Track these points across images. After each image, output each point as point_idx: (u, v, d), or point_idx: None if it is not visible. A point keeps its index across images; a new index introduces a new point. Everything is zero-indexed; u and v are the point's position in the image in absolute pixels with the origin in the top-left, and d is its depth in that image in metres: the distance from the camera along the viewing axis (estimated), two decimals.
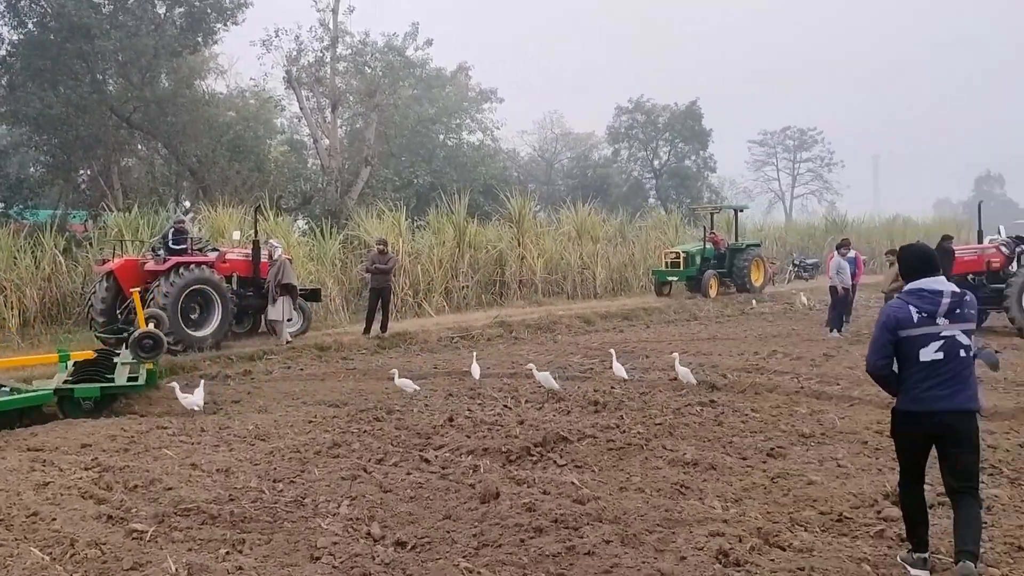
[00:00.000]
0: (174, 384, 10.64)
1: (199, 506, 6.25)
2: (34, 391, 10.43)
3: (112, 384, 10.76)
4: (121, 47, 24.84)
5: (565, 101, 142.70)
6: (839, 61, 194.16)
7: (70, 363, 11.58)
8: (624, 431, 8.49)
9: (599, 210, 31.92)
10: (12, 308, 17.61)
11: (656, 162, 55.04)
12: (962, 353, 4.81)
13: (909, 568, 4.85)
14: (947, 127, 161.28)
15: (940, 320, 4.82)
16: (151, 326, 12.18)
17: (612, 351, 12.50)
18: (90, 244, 20.29)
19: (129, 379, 11.02)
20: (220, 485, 6.92)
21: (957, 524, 4.79)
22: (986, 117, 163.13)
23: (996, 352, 9.45)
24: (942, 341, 4.80)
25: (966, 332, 4.86)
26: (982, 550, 4.98)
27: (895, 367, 4.96)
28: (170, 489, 6.74)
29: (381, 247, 17.62)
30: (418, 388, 11.12)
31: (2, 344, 16.21)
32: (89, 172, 27.81)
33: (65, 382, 10.72)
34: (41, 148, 27.21)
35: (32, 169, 29.44)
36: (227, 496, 6.57)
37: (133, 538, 5.68)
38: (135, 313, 15.05)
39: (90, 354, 12.10)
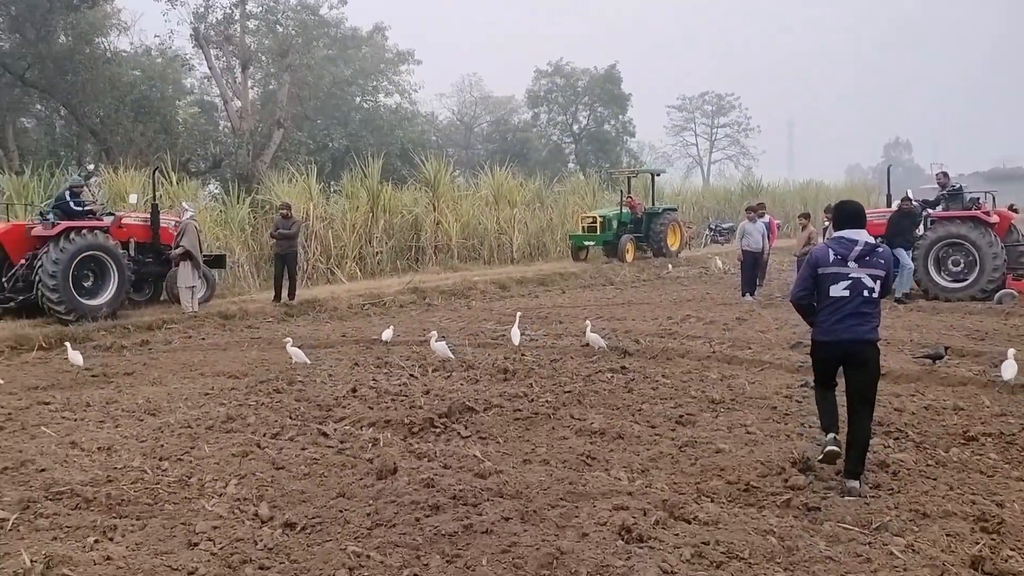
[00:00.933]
0: None
1: (72, 489, 5.77)
2: None
3: None
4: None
5: (484, 64, 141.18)
6: (761, 30, 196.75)
7: None
8: (532, 400, 8.26)
9: (517, 174, 31.55)
10: None
11: (575, 126, 54.98)
12: (865, 293, 5.55)
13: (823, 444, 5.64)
14: (859, 94, 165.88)
15: (851, 263, 5.57)
16: None
17: (518, 314, 12.25)
18: None
19: None
20: (99, 465, 6.43)
21: (848, 445, 5.60)
22: (895, 86, 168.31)
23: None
24: (849, 281, 5.55)
25: (872, 276, 5.55)
26: (888, 519, 5.05)
27: (815, 301, 5.76)
28: (43, 471, 6.23)
29: (284, 211, 16.98)
30: (308, 361, 10.49)
31: None
32: None
33: None
34: None
35: None
36: (105, 477, 6.10)
37: None
38: (23, 281, 14.29)
39: None
